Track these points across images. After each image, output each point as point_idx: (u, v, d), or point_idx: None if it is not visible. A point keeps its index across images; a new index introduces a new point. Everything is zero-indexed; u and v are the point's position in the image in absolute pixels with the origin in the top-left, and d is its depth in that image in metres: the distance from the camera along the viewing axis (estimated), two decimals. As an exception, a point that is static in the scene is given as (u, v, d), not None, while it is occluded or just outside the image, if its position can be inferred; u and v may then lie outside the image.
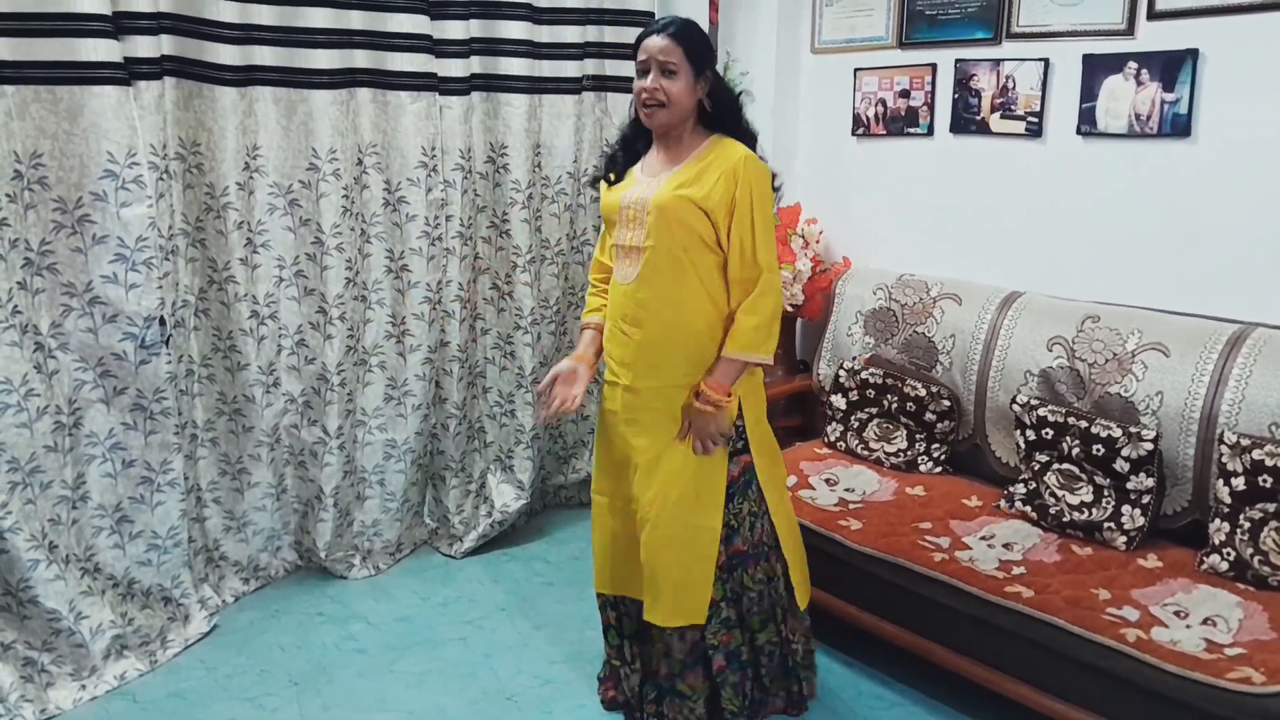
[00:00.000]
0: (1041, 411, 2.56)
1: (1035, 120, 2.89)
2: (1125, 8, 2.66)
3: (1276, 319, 2.43)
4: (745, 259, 2.08)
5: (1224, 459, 2.27)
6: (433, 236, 3.12)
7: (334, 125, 2.87)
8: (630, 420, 2.19)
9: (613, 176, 2.24)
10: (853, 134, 3.41)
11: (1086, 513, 2.45)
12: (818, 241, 3.41)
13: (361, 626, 2.88)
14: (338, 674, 2.64)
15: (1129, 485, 2.41)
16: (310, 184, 2.88)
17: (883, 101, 3.29)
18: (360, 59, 2.89)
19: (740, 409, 2.20)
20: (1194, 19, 2.54)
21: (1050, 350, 2.66)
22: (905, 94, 3.22)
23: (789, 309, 3.31)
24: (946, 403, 2.85)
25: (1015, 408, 2.63)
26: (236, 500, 3.00)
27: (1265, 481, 2.19)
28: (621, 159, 2.25)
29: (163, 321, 2.57)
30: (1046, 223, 2.93)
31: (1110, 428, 2.44)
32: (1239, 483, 2.24)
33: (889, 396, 2.95)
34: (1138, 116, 2.67)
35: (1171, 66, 2.58)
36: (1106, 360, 2.55)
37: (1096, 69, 2.73)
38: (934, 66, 3.13)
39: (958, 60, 3.06)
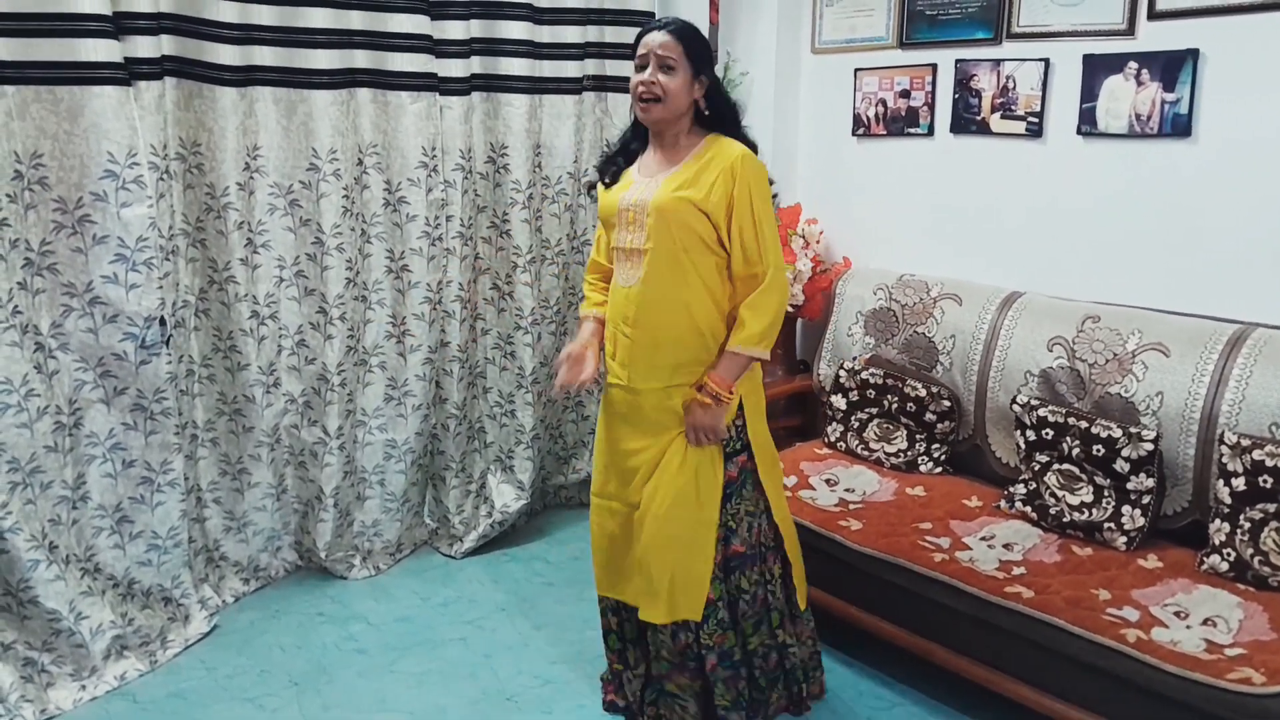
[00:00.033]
0: (1042, 412, 2.56)
1: (1036, 120, 2.89)
2: (1126, 8, 2.66)
3: (1277, 319, 2.43)
4: (749, 256, 2.07)
5: (1224, 459, 2.27)
6: (433, 237, 3.12)
7: (334, 125, 2.87)
8: (632, 421, 2.19)
9: (607, 179, 2.23)
10: (853, 134, 3.41)
11: (1087, 513, 2.45)
12: (818, 242, 3.41)
13: (362, 627, 2.88)
14: (338, 674, 2.64)
15: (1129, 485, 2.41)
16: (310, 184, 2.88)
17: (883, 101, 3.29)
18: (360, 59, 2.89)
19: (740, 408, 2.20)
20: (1194, 19, 2.54)
21: (1050, 350, 2.66)
22: (906, 94, 3.22)
23: (789, 309, 3.30)
24: (947, 403, 2.85)
25: (1015, 408, 2.63)
26: (237, 500, 3.00)
27: (1265, 482, 2.19)
28: (619, 162, 2.24)
29: (163, 322, 2.57)
30: (1047, 223, 2.93)
31: (1110, 428, 2.43)
32: (1239, 483, 2.23)
33: (889, 397, 2.95)
34: (1138, 116, 2.67)
35: (1172, 66, 2.58)
36: (1107, 360, 2.55)
37: (1097, 69, 2.73)
38: (934, 66, 3.13)
39: (958, 60, 3.06)
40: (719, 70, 3.47)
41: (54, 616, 2.46)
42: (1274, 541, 2.18)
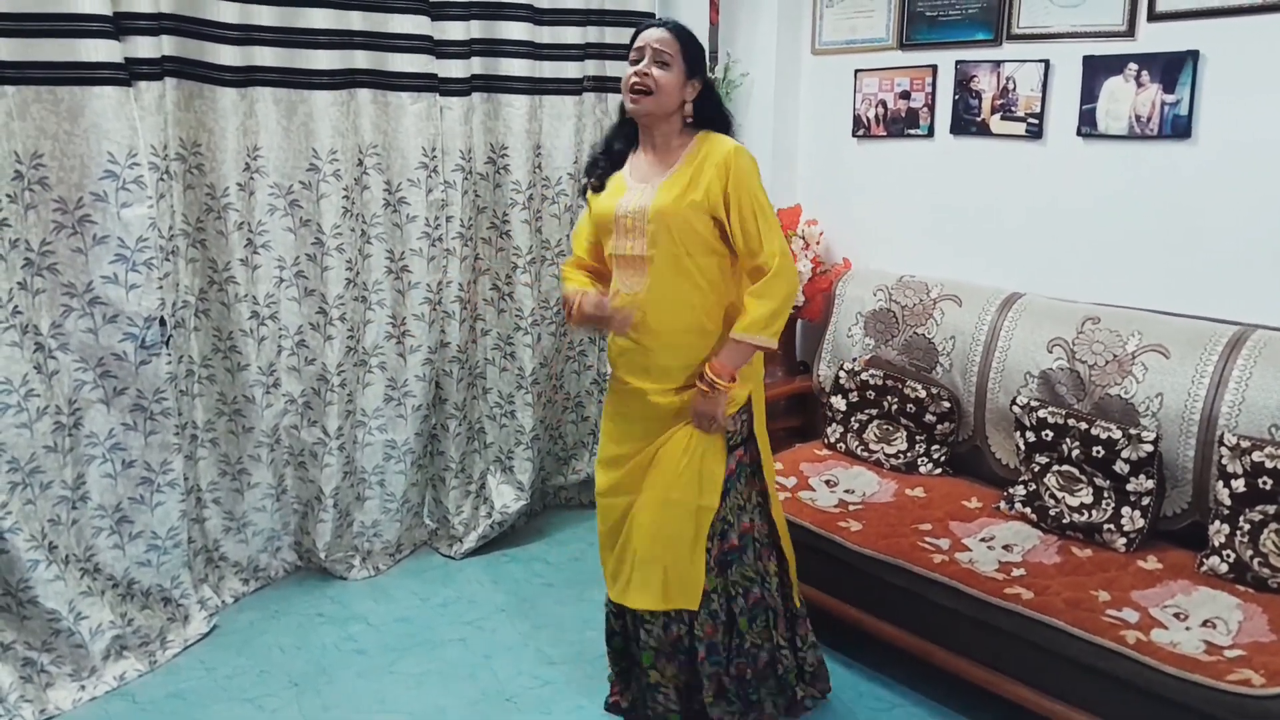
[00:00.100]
0: (1041, 413, 2.56)
1: (1036, 122, 2.89)
2: (1126, 9, 2.66)
3: (1276, 320, 2.43)
4: (751, 247, 2.07)
5: (1224, 461, 2.27)
6: (433, 237, 3.12)
7: (334, 126, 2.87)
8: (640, 423, 2.19)
9: (595, 183, 2.22)
10: (853, 135, 3.41)
11: (1086, 514, 2.45)
12: (818, 243, 3.41)
13: (361, 627, 2.88)
14: (337, 675, 2.64)
15: (1129, 487, 2.41)
16: (311, 185, 2.88)
17: (883, 103, 3.29)
18: (361, 60, 2.89)
19: (749, 402, 2.19)
20: (1194, 20, 2.54)
21: (1050, 352, 2.66)
22: (906, 95, 3.23)
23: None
24: (946, 404, 2.85)
25: (1015, 409, 2.63)
26: (236, 501, 3.00)
27: (1265, 483, 2.19)
28: (603, 164, 2.23)
29: (163, 322, 2.57)
30: (1047, 224, 2.93)
31: (1110, 429, 2.44)
32: (1239, 485, 2.23)
33: (889, 398, 2.95)
34: (1138, 118, 2.67)
35: (1172, 68, 2.58)
36: (1106, 362, 2.55)
37: (1097, 70, 2.73)
38: (934, 68, 3.13)
39: (958, 61, 3.06)
40: (719, 71, 3.48)
41: (53, 616, 2.46)
42: (1273, 543, 2.18)
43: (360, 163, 2.97)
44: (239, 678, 2.62)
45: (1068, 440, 2.50)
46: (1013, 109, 2.94)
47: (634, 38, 2.11)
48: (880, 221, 3.37)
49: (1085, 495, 2.47)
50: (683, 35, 2.09)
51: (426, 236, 3.10)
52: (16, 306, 2.38)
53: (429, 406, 3.25)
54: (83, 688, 2.51)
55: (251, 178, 2.81)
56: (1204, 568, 2.28)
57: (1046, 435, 2.55)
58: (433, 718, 2.46)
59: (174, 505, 2.70)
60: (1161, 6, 2.59)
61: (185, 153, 2.71)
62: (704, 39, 3.36)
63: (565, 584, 3.14)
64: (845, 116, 3.42)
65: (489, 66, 3.16)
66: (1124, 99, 2.69)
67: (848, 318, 3.17)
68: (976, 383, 2.83)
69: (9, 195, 2.35)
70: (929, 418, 2.88)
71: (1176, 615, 2.11)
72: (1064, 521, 2.47)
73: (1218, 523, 2.29)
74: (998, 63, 2.96)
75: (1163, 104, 2.62)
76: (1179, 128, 2.60)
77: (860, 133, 3.39)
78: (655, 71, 2.05)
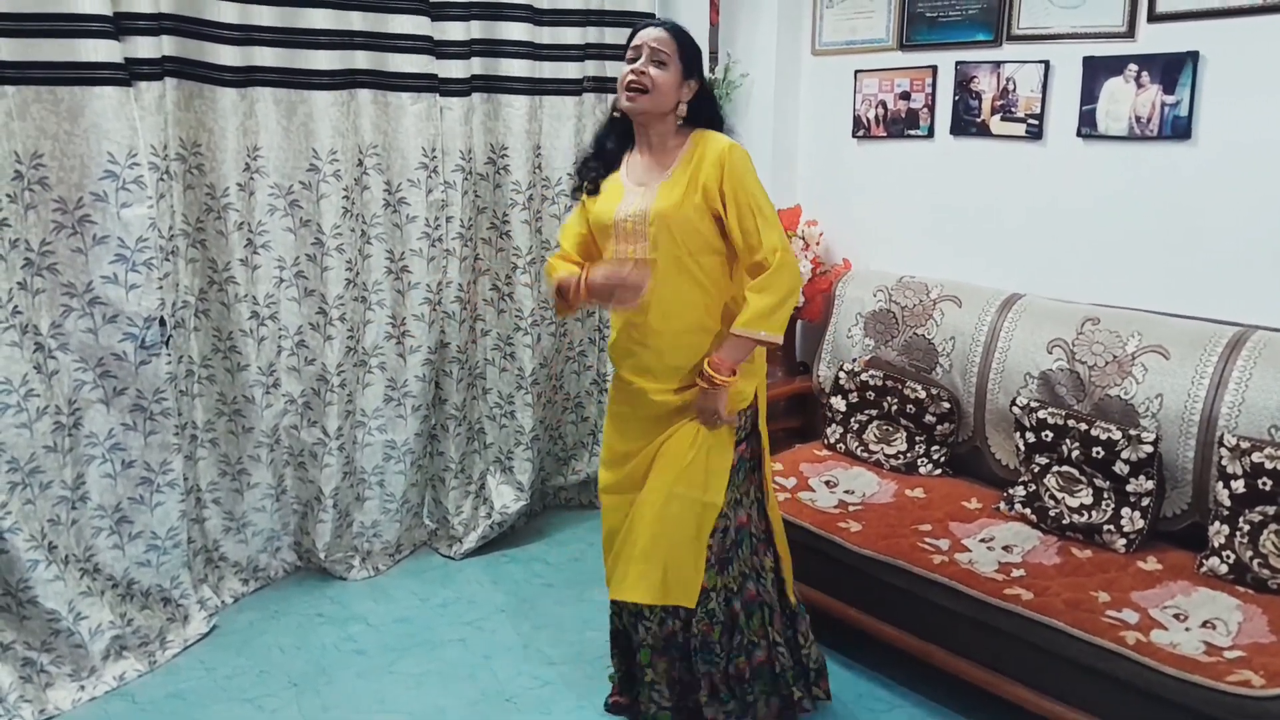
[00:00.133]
0: (1041, 414, 2.56)
1: (1035, 122, 2.89)
2: (1126, 10, 2.66)
3: (1277, 321, 2.43)
4: (750, 244, 2.06)
5: (1224, 462, 2.27)
6: (433, 238, 3.12)
7: (334, 126, 2.87)
8: (645, 421, 2.18)
9: (589, 186, 2.21)
10: (853, 136, 3.41)
11: (1086, 515, 2.45)
12: (818, 243, 3.41)
13: (361, 627, 2.88)
14: (337, 675, 2.64)
15: (1129, 488, 2.41)
16: (311, 185, 2.88)
17: (883, 103, 3.29)
18: (361, 60, 2.89)
19: (755, 399, 2.19)
20: (1194, 21, 2.54)
21: (1050, 352, 2.66)
22: (906, 96, 3.23)
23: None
24: (946, 405, 2.85)
25: (1015, 410, 2.63)
26: (236, 501, 3.00)
27: (1265, 484, 2.19)
28: (594, 164, 2.22)
29: (163, 322, 2.57)
30: (1047, 225, 2.93)
31: (1110, 430, 2.44)
32: (1239, 485, 2.23)
33: (889, 398, 2.95)
34: (1138, 119, 2.67)
35: (1172, 69, 2.58)
36: (1106, 363, 2.55)
37: (1097, 71, 2.73)
38: (934, 69, 3.13)
39: (958, 62, 3.06)
40: (719, 72, 3.48)
41: (53, 617, 2.46)
42: (1273, 544, 2.18)
43: (360, 163, 2.97)
44: (239, 678, 2.62)
45: (1067, 441, 2.50)
46: (1013, 110, 2.94)
47: (631, 36, 2.11)
48: (880, 222, 3.37)
49: (1085, 496, 2.47)
50: (680, 35, 2.09)
51: (426, 237, 3.10)
52: (16, 306, 2.38)
53: (429, 407, 3.25)
54: (82, 688, 2.51)
55: (251, 178, 2.81)
56: (1204, 569, 2.28)
57: (1046, 436, 2.55)
58: (432, 718, 2.46)
59: (174, 505, 2.70)
60: (1161, 7, 2.59)
61: (185, 153, 2.71)
62: (704, 39, 3.38)
63: (565, 584, 3.14)
64: (845, 117, 3.42)
65: (489, 67, 3.16)
66: (1124, 100, 2.69)
67: (847, 318, 3.17)
68: (976, 383, 2.83)
69: (9, 195, 2.35)
70: (929, 418, 2.88)
71: (1176, 616, 2.11)
72: (1064, 522, 2.47)
73: (1217, 524, 2.29)
74: (998, 63, 2.96)
75: (1163, 105, 2.62)
76: (1179, 129, 2.60)
77: (860, 133, 3.39)
78: (652, 71, 2.05)
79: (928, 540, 2.45)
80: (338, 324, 2.97)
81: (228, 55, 2.67)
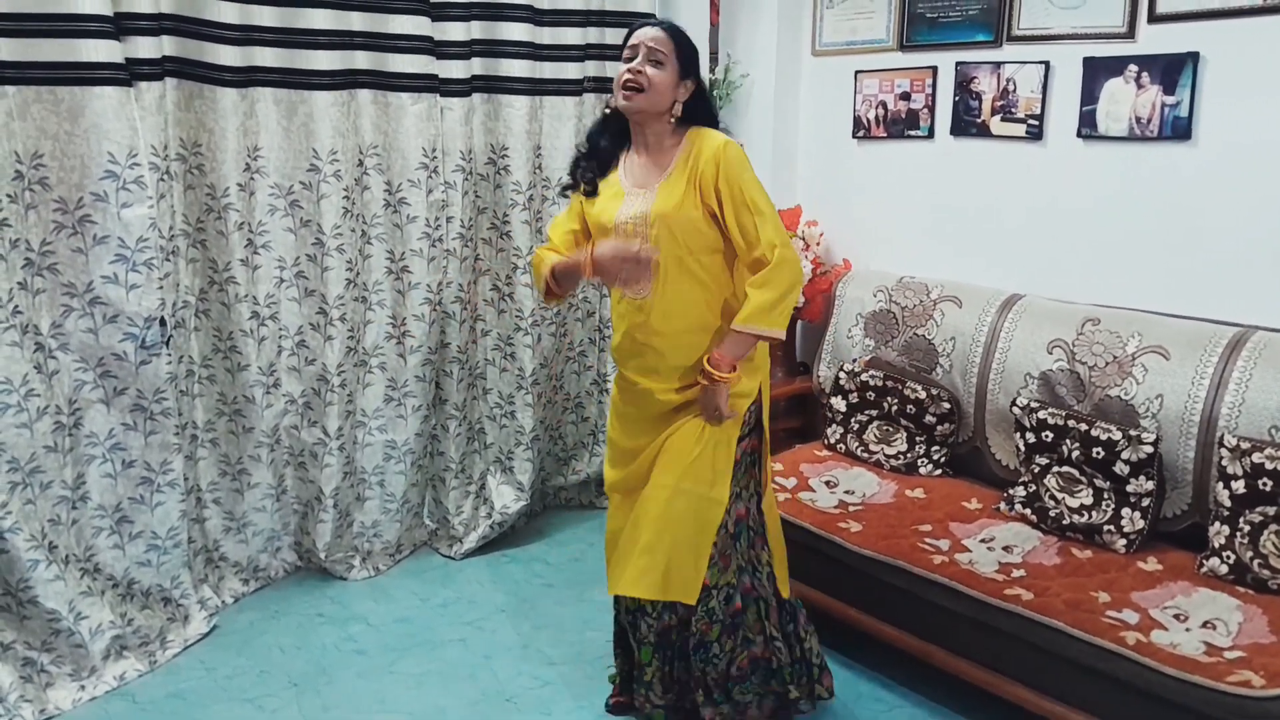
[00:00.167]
0: (1041, 414, 2.56)
1: (1036, 123, 2.89)
2: (1126, 11, 2.66)
3: (1277, 322, 2.43)
4: (748, 240, 2.05)
5: (1224, 462, 2.27)
6: (433, 238, 3.12)
7: (335, 126, 2.87)
8: (650, 419, 2.18)
9: (585, 187, 2.20)
10: (853, 136, 3.42)
11: (1086, 515, 2.45)
12: (818, 244, 3.41)
13: (361, 627, 2.88)
14: (337, 675, 2.64)
15: (1129, 488, 2.41)
16: (311, 185, 2.89)
17: (883, 104, 3.29)
18: (361, 60, 2.89)
19: (759, 395, 2.19)
20: (1195, 22, 2.54)
21: (1050, 353, 2.66)
22: (906, 96, 3.23)
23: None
24: (946, 405, 2.85)
25: (1015, 410, 2.63)
26: (236, 501, 3.00)
27: (1265, 485, 2.19)
28: (586, 164, 2.22)
29: (163, 322, 2.57)
30: (1047, 226, 2.93)
31: (1110, 430, 2.44)
32: (1239, 486, 2.24)
33: (889, 399, 2.95)
34: (1138, 119, 2.67)
35: (1172, 69, 2.58)
36: (1107, 363, 2.55)
37: (1097, 72, 2.73)
38: (935, 69, 3.13)
39: (958, 63, 3.06)
40: (719, 72, 3.48)
41: (53, 616, 2.46)
42: (1274, 544, 2.18)
43: (361, 163, 2.97)
44: (239, 678, 2.62)
45: (1068, 441, 2.51)
46: (1013, 110, 2.94)
47: (628, 35, 2.11)
48: (880, 223, 3.37)
49: (1085, 496, 2.47)
50: (677, 35, 2.09)
51: (427, 237, 3.10)
52: (17, 306, 2.38)
53: (429, 407, 3.25)
54: (83, 688, 2.51)
55: (252, 178, 2.81)
56: (1204, 569, 2.28)
57: (1046, 436, 2.55)
58: (432, 718, 2.46)
59: (174, 505, 2.70)
60: (1162, 8, 2.60)
61: (185, 153, 2.71)
62: (704, 40, 3.38)
63: (565, 584, 3.14)
64: (845, 117, 3.42)
65: (489, 67, 3.16)
66: (1124, 100, 2.69)
67: (848, 319, 3.17)
68: (976, 384, 2.83)
69: (9, 195, 2.35)
70: (929, 419, 2.88)
71: (1176, 616, 2.11)
72: (1064, 523, 2.47)
73: (1218, 524, 2.29)
74: (998, 64, 2.96)
75: (1163, 105, 2.62)
76: (1179, 129, 2.60)
77: (860, 134, 3.39)
78: (649, 70, 2.05)
79: (928, 540, 2.45)
80: (338, 324, 2.97)
81: (228, 55, 2.67)
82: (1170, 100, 2.60)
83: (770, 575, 2.27)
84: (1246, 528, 2.23)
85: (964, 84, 3.06)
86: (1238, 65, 2.49)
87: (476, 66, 3.13)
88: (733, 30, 3.52)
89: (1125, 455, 2.40)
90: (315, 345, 2.99)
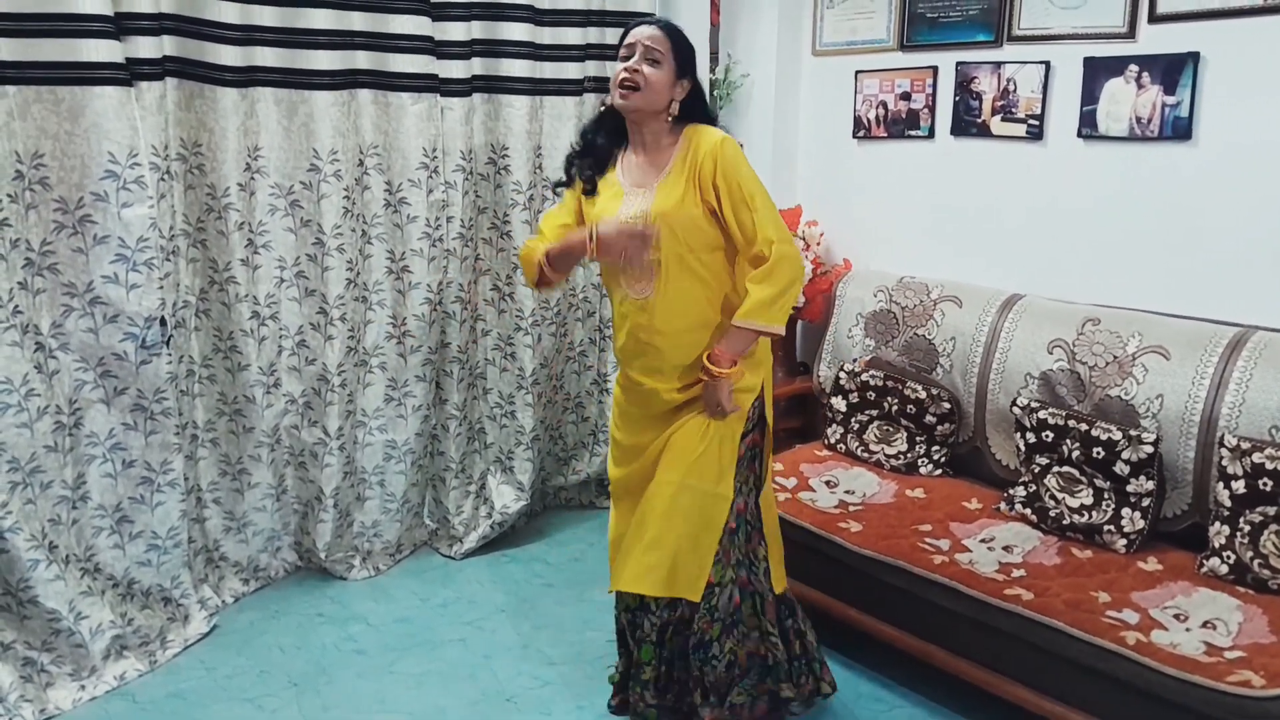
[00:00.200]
0: (1042, 414, 2.56)
1: (1036, 123, 2.89)
2: (1126, 11, 2.66)
3: (1277, 322, 2.43)
4: (747, 236, 2.05)
5: (1224, 462, 2.27)
6: (434, 238, 3.12)
7: (335, 126, 2.87)
8: (653, 416, 2.18)
9: (586, 187, 2.19)
10: (854, 136, 3.42)
11: (1086, 515, 2.45)
12: (818, 243, 3.41)
13: (361, 627, 2.88)
14: (337, 675, 2.64)
15: (1129, 488, 2.41)
16: (311, 185, 2.89)
17: (884, 104, 3.29)
18: (362, 60, 2.89)
19: (763, 391, 2.19)
20: (1195, 22, 2.54)
21: (1050, 353, 2.66)
22: (906, 96, 3.23)
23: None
24: (947, 405, 2.85)
25: (1015, 410, 2.63)
26: (236, 501, 3.00)
27: (1265, 485, 2.19)
28: (580, 162, 2.21)
29: (163, 322, 2.57)
30: (1047, 226, 2.93)
31: (1110, 430, 2.44)
32: (1239, 486, 2.24)
33: (889, 399, 2.95)
34: (1139, 119, 2.67)
35: (1173, 69, 2.58)
36: (1107, 363, 2.55)
37: (1097, 72, 2.73)
38: (935, 69, 3.13)
39: (959, 63, 3.06)
40: (720, 72, 3.48)
41: (54, 616, 2.46)
42: (1274, 544, 2.18)
43: (361, 163, 2.97)
44: (239, 678, 2.62)
45: (1068, 441, 2.51)
46: (1013, 110, 2.94)
47: (625, 34, 2.10)
48: (880, 222, 3.38)
49: (1085, 496, 2.47)
50: (674, 34, 2.09)
51: (427, 237, 3.10)
52: (17, 306, 2.38)
53: (429, 407, 3.25)
54: (83, 687, 2.51)
55: (252, 178, 2.81)
56: (1204, 569, 2.28)
57: (1047, 436, 2.55)
58: (433, 718, 2.46)
59: (174, 505, 2.70)
60: (1162, 8, 2.60)
61: (186, 153, 2.71)
62: (705, 40, 3.38)
63: (565, 584, 3.14)
64: (846, 117, 3.42)
65: (490, 67, 3.16)
66: (1124, 100, 2.69)
67: (848, 319, 3.17)
68: (977, 384, 2.83)
69: (10, 195, 2.35)
70: (929, 419, 2.88)
71: (1176, 616, 2.11)
72: (1064, 522, 2.47)
73: (1218, 524, 2.29)
74: (998, 64, 2.96)
75: (1163, 105, 2.62)
76: (1179, 129, 2.60)
77: (861, 134, 3.39)
78: (645, 69, 2.04)
79: (928, 540, 2.45)
80: (338, 324, 2.98)
81: (228, 55, 2.67)
82: (1170, 100, 2.60)
83: (766, 570, 2.27)
84: (1247, 528, 2.23)
85: (964, 84, 3.06)
86: (1238, 65, 2.49)
87: (477, 66, 3.13)
88: (733, 30, 3.52)
89: (1125, 455, 2.40)
90: (315, 345, 2.99)
